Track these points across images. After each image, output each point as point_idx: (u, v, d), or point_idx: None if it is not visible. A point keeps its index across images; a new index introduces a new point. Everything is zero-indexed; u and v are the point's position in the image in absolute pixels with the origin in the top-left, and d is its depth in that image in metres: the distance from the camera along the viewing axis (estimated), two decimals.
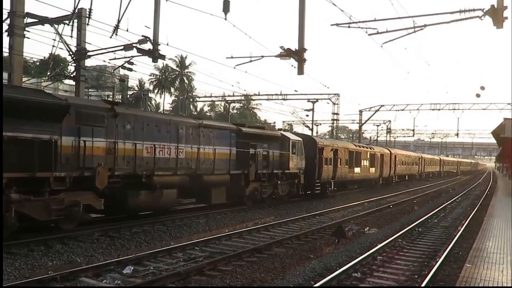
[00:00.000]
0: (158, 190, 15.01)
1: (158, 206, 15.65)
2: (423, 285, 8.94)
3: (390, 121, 62.37)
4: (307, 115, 49.86)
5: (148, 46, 17.01)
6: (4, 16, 17.82)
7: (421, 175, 57.39)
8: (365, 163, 34.40)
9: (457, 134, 73.06)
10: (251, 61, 19.54)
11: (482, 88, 34.38)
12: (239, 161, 19.05)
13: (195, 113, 66.24)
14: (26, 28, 18.67)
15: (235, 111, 76.38)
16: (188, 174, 16.42)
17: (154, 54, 16.84)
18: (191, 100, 63.58)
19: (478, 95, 35.39)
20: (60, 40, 19.58)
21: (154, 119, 15.73)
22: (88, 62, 23.26)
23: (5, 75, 19.67)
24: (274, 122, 76.59)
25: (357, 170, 32.53)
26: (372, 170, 36.32)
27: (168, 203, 16.15)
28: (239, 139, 19.29)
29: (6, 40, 18.05)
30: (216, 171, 17.83)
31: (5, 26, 17.83)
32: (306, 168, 24.35)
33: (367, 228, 16.68)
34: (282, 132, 25.24)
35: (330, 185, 27.62)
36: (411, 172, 51.53)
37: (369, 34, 16.72)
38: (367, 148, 36.40)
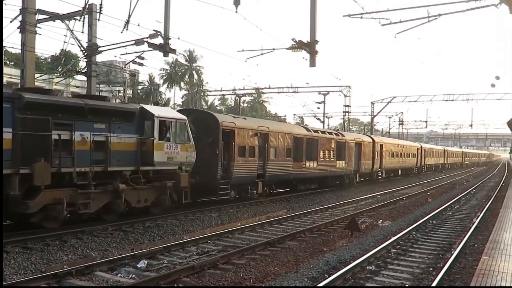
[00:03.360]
0: None
1: None
2: (438, 278, 8.82)
3: (402, 112, 61.92)
4: (318, 108, 49.58)
5: (159, 40, 16.99)
6: (16, 13, 17.98)
7: (420, 169, 49.66)
8: (327, 154, 26.13)
9: (471, 125, 72.35)
10: (262, 54, 19.44)
11: (497, 78, 33.54)
12: (19, 153, 11.04)
13: (206, 107, 66.38)
14: (38, 25, 18.78)
15: (245, 104, 76.37)
16: None
17: (165, 49, 16.80)
18: (202, 94, 63.67)
19: (493, 85, 34.59)
20: (71, 36, 19.67)
21: None
22: (99, 58, 23.35)
23: (17, 72, 19.85)
24: (285, 115, 76.53)
25: (310, 163, 24.16)
26: (341, 163, 27.93)
27: None
28: (19, 113, 11.22)
29: (18, 36, 18.20)
30: None
31: (17, 23, 17.96)
32: (203, 163, 16.47)
33: (381, 220, 16.57)
34: (143, 105, 15.07)
35: (257, 186, 19.69)
36: (406, 165, 43.34)
37: (382, 25, 16.52)
38: (330, 134, 27.78)
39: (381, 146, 35.30)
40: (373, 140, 33.96)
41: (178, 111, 19.62)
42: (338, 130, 34.99)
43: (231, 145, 17.92)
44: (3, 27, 17.14)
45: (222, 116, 19.65)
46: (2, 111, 9.77)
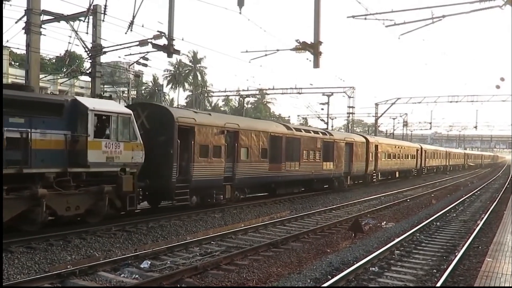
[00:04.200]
0: None
1: None
2: (441, 280, 8.79)
3: (406, 114, 61.84)
4: (322, 109, 49.56)
5: (163, 41, 17.04)
6: (21, 13, 18.06)
7: (420, 171, 47.46)
8: (312, 155, 23.90)
9: (475, 127, 72.10)
10: (266, 55, 19.49)
11: (502, 79, 33.33)
12: None
13: (210, 108, 66.54)
14: (43, 26, 18.86)
15: (249, 105, 76.46)
16: None
17: (169, 50, 16.85)
18: (206, 95, 63.82)
19: (498, 87, 34.42)
20: (76, 37, 19.75)
21: None
22: (103, 58, 23.41)
23: (22, 73, 19.94)
24: (289, 116, 76.55)
25: (291, 165, 21.83)
26: (329, 165, 25.67)
27: None
28: None
29: (23, 37, 18.28)
30: None
31: (22, 24, 18.05)
32: (156, 164, 14.51)
33: (384, 222, 16.53)
34: (76, 97, 13.25)
35: (224, 191, 17.45)
36: (404, 167, 41.11)
37: (386, 26, 16.49)
38: (316, 133, 25.37)
39: (376, 146, 33.19)
40: (367, 140, 31.75)
41: (131, 104, 18.45)
42: (326, 129, 32.19)
43: (190, 144, 15.66)
44: (3, 27, 17.25)
45: (179, 110, 17.69)
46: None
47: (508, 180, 44.10)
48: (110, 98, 15.19)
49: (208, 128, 16.63)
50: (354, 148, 28.92)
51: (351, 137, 30.35)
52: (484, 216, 17.70)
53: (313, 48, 14.90)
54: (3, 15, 16.41)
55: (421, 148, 47.69)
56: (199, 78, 71.46)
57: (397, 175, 40.00)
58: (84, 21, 19.49)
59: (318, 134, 25.28)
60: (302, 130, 24.01)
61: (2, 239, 9.66)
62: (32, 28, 17.86)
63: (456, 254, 11.07)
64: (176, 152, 15.06)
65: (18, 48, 31.41)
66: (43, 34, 18.78)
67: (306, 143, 23.29)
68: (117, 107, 14.08)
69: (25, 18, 18.04)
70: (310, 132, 24.65)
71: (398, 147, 39.49)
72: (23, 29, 18.09)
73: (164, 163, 14.96)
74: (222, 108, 73.97)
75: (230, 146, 17.70)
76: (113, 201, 13.15)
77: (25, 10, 18.03)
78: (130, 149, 13.53)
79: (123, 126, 13.33)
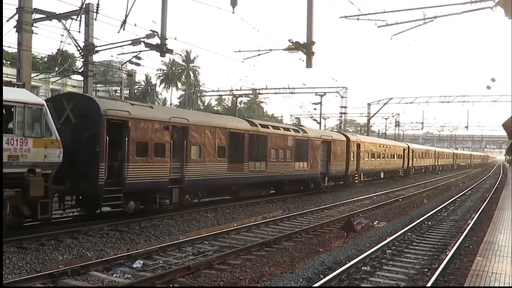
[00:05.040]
0: None
1: None
2: (432, 279, 8.87)
3: (398, 114, 62.24)
4: (315, 109, 49.73)
5: (156, 40, 17.02)
6: (13, 12, 17.95)
7: (407, 171, 45.85)
8: (282, 154, 21.78)
9: (466, 127, 72.77)
10: (259, 54, 19.53)
11: (493, 80, 33.64)
12: None
13: (203, 107, 66.49)
14: (34, 24, 18.76)
15: (242, 105, 76.47)
16: None
17: (162, 49, 16.85)
18: (198, 94, 63.73)
19: (488, 87, 34.81)
20: (68, 36, 19.68)
21: None
22: (95, 57, 23.33)
23: (14, 71, 19.81)
24: (282, 116, 76.68)
25: (256, 165, 19.75)
26: (302, 165, 23.59)
27: None
28: None
29: (15, 36, 18.17)
30: None
31: (13, 22, 17.94)
32: (78, 164, 12.64)
33: (376, 221, 16.62)
34: None
35: (170, 194, 15.44)
36: (389, 167, 39.34)
37: (379, 26, 16.59)
38: (286, 130, 23.20)
39: (358, 145, 31.25)
40: (348, 139, 29.75)
41: (56, 95, 15.76)
42: (301, 126, 29.02)
43: (124, 140, 13.53)
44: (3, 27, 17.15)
45: (109, 102, 15.02)
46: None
47: (499, 180, 44.54)
48: (23, 86, 13.40)
49: (147, 123, 14.30)
50: (332, 146, 26.93)
51: (329, 135, 28.52)
52: (475, 215, 17.87)
53: (306, 48, 14.95)
54: (3, 15, 16.37)
55: (408, 147, 46.20)
56: (192, 77, 71.37)
57: (382, 176, 38.20)
58: (76, 20, 19.48)
59: (289, 131, 23.14)
60: (270, 127, 21.75)
61: (2, 239, 9.61)
62: (23, 27, 17.77)
63: (447, 253, 11.16)
64: (104, 150, 12.79)
65: (9, 47, 31.18)
66: (35, 33, 18.72)
67: (274, 141, 21.11)
68: (25, 96, 11.60)
69: (16, 16, 17.94)
70: (280, 129, 22.42)
71: (383, 146, 37.60)
72: (14, 27, 17.99)
73: (89, 163, 12.77)
74: (215, 108, 73.91)
75: (178, 144, 15.52)
76: (19, 208, 10.92)
77: (16, 8, 17.94)
78: (43, 146, 11.32)
79: (32, 119, 11.16)
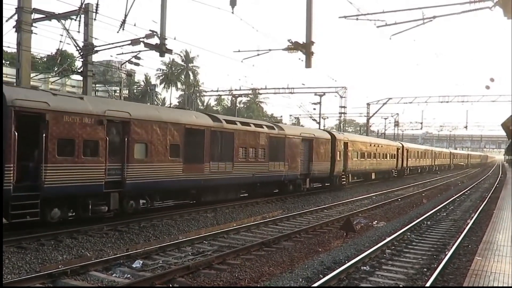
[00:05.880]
0: None
1: None
2: (432, 278, 8.89)
3: (398, 114, 62.26)
4: (314, 109, 49.75)
5: (155, 40, 17.01)
6: (12, 12, 17.95)
7: (402, 172, 43.58)
8: (253, 153, 19.66)
9: (466, 127, 72.84)
10: (258, 54, 19.49)
11: (492, 80, 33.64)
12: None
13: (202, 107, 66.48)
14: (34, 24, 18.76)
15: (242, 105, 76.51)
16: None
17: (161, 49, 16.84)
18: (198, 94, 63.72)
19: (487, 87, 34.80)
20: (68, 36, 19.67)
21: None
22: (95, 57, 23.34)
23: (13, 71, 19.80)
24: (281, 116, 76.74)
25: (221, 166, 17.63)
26: (278, 165, 21.43)
27: None
28: None
29: (14, 36, 18.18)
30: None
31: (13, 22, 17.94)
32: None
33: (376, 221, 16.64)
34: None
35: (108, 200, 13.47)
36: (381, 167, 37.28)
37: (378, 26, 16.60)
38: (258, 126, 20.76)
39: (346, 144, 29.05)
40: (333, 137, 27.54)
41: None
42: (277, 122, 25.93)
43: (41, 137, 11.57)
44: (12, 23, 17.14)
45: (21, 91, 12.47)
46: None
47: (498, 180, 44.58)
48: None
49: (73, 117, 12.23)
50: (314, 145, 24.68)
51: (310, 132, 25.97)
52: (474, 215, 17.89)
53: (305, 48, 14.94)
54: (3, 15, 16.37)
55: (403, 146, 43.90)
56: (191, 77, 71.39)
57: (373, 177, 36.02)
58: (75, 20, 19.46)
59: (262, 128, 20.69)
60: (238, 123, 19.25)
61: (2, 239, 9.60)
62: (23, 27, 17.78)
63: (446, 253, 11.18)
64: (11, 148, 10.83)
65: (9, 47, 31.17)
66: (34, 33, 18.73)
67: (243, 139, 18.88)
68: None
69: (16, 17, 17.94)
70: (250, 125, 20.01)
71: (374, 145, 35.19)
72: (14, 27, 17.99)
73: None
74: (214, 108, 73.93)
75: (116, 141, 13.54)
76: None
77: (16, 8, 17.93)
78: None
79: None
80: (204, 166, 16.74)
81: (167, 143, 15.07)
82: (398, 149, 41.96)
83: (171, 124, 15.30)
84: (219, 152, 17.58)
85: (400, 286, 8.81)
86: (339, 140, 28.11)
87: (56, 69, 27.62)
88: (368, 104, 55.10)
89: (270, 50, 19.15)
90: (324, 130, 32.98)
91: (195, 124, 16.59)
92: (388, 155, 38.65)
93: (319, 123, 49.21)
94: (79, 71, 21.54)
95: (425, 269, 9.98)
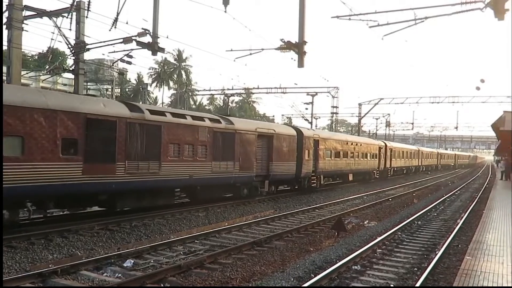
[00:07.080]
0: None
1: None
2: (422, 278, 8.95)
3: (389, 114, 62.57)
4: (306, 108, 49.81)
5: (147, 39, 16.93)
6: (3, 8, 17.77)
7: (384, 173, 40.54)
8: (190, 151, 16.32)
9: (456, 127, 73.43)
10: (250, 54, 19.48)
11: (482, 81, 34.03)
12: None
13: (194, 106, 66.36)
14: (25, 21, 18.59)
15: (234, 104, 76.44)
16: None
17: (154, 47, 16.75)
18: (190, 93, 63.56)
19: (478, 88, 35.16)
20: (59, 33, 19.50)
21: None
22: (87, 55, 23.17)
23: (4, 69, 19.61)
24: (273, 116, 76.80)
25: (142, 166, 14.29)
26: (226, 166, 18.13)
27: None
28: None
29: (4, 33, 18.00)
30: None
31: (3, 19, 17.76)
32: None
33: (367, 221, 16.72)
34: None
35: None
36: (360, 168, 33.83)
37: (370, 27, 16.65)
38: (198, 119, 17.24)
39: (317, 142, 25.69)
40: (300, 133, 24.19)
41: None
42: (225, 116, 20.80)
43: None
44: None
45: None
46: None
47: (487, 180, 44.99)
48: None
49: None
50: (275, 142, 21.47)
51: (269, 127, 22.37)
52: (464, 215, 18.03)
53: (298, 47, 14.96)
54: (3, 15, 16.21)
55: (385, 145, 40.40)
56: (184, 76, 71.20)
57: (350, 178, 32.28)
58: (67, 17, 19.28)
59: (203, 120, 17.25)
60: (167, 114, 15.81)
61: (2, 239, 9.51)
62: (13, 24, 17.61)
63: (437, 252, 11.27)
64: None
65: None
66: (25, 30, 18.54)
67: (174, 133, 15.58)
68: None
69: (6, 14, 17.76)
70: (185, 117, 16.43)
71: (352, 144, 31.85)
72: (4, 24, 17.81)
73: None
74: (206, 107, 73.79)
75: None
76: None
77: (6, 5, 17.75)
78: None
79: None
80: (115, 167, 13.46)
81: (57, 137, 11.79)
82: (380, 148, 38.58)
83: (63, 113, 11.96)
84: (139, 149, 14.23)
85: (391, 285, 8.86)
86: (307, 137, 24.67)
87: (47, 67, 27.38)
88: (360, 104, 55.29)
89: (262, 49, 19.15)
90: (288, 125, 29.77)
91: (102, 113, 13.13)
92: (368, 154, 35.39)
93: (311, 123, 49.30)
94: (71, 69, 21.37)
95: (415, 269, 10.05)
